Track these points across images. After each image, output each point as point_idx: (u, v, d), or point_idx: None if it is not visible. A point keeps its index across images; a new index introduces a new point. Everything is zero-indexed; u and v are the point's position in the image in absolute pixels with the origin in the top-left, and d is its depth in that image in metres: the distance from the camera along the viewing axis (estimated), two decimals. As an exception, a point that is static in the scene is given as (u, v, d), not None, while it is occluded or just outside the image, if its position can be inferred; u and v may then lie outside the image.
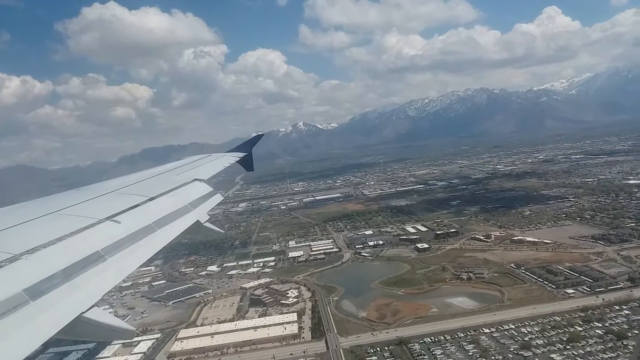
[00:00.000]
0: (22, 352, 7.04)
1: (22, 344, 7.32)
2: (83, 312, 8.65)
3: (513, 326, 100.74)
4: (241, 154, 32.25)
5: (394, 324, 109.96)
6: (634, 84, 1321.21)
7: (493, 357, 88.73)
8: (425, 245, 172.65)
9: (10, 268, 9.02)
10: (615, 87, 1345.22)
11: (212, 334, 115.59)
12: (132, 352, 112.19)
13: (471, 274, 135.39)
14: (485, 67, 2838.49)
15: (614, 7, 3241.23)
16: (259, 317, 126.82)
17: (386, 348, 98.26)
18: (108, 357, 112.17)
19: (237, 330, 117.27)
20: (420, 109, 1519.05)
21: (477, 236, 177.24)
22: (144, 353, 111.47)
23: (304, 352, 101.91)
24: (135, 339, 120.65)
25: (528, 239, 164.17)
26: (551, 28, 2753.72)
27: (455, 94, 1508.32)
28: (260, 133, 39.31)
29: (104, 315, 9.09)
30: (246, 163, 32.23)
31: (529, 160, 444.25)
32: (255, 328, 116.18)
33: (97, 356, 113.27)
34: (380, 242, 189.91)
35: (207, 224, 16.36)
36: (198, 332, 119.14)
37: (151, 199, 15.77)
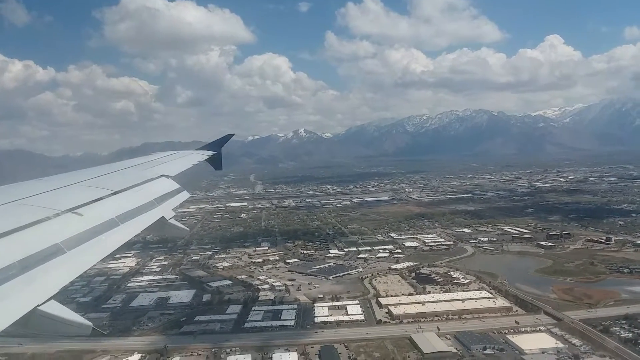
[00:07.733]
0: None
1: None
2: (39, 305, 8.52)
3: None
4: (210, 153, 32.39)
5: (599, 305, 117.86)
6: (627, 117, 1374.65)
7: None
8: (550, 243, 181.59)
9: None
10: (609, 119, 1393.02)
11: (421, 302, 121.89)
12: (348, 313, 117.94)
13: (631, 269, 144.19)
14: (483, 89, 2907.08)
15: (612, 41, 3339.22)
16: (444, 292, 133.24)
17: (618, 322, 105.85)
18: (325, 315, 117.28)
19: (440, 301, 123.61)
20: (419, 125, 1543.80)
21: (595, 239, 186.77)
22: (363, 314, 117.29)
23: (535, 322, 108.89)
24: (337, 302, 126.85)
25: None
26: (553, 56, 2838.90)
27: (454, 113, 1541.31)
28: (230, 133, 38.51)
29: (60, 309, 8.92)
30: (215, 162, 32.54)
31: (561, 179, 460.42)
32: (462, 300, 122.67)
33: (315, 314, 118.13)
34: (493, 239, 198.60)
35: (172, 221, 16.43)
36: (399, 300, 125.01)
37: (115, 192, 15.84)
